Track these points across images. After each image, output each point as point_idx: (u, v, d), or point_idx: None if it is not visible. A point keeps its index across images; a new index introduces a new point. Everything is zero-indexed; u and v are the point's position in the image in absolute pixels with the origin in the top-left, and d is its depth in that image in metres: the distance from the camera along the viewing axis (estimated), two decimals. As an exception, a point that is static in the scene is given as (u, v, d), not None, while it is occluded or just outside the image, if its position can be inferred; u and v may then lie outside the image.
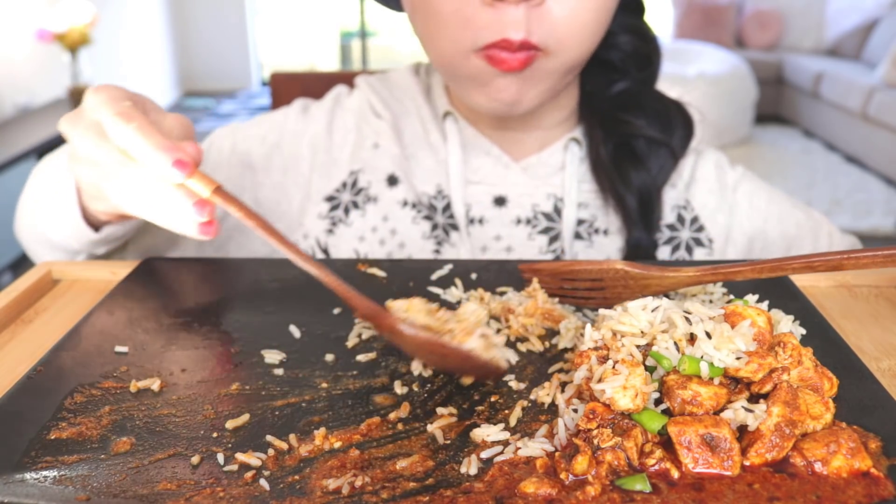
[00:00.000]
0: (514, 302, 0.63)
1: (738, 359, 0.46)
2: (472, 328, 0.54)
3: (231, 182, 0.90)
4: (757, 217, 0.90)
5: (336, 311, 0.63)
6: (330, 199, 0.89)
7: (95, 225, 0.74)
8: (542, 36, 0.70)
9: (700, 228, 0.88)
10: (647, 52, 0.88)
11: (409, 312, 0.56)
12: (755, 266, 0.55)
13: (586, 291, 0.61)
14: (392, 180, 0.88)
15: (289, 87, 1.33)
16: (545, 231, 0.86)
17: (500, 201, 0.87)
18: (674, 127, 0.87)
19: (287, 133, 0.92)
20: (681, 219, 0.88)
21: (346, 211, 0.88)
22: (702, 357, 0.46)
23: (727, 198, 0.89)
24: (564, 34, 0.71)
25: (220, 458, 0.45)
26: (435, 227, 0.86)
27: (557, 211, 0.86)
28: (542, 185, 0.87)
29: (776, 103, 6.00)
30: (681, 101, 0.90)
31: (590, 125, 0.88)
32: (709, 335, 0.47)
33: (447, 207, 0.86)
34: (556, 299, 0.63)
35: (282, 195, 0.91)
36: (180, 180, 0.58)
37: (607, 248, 0.86)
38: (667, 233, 0.87)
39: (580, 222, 0.86)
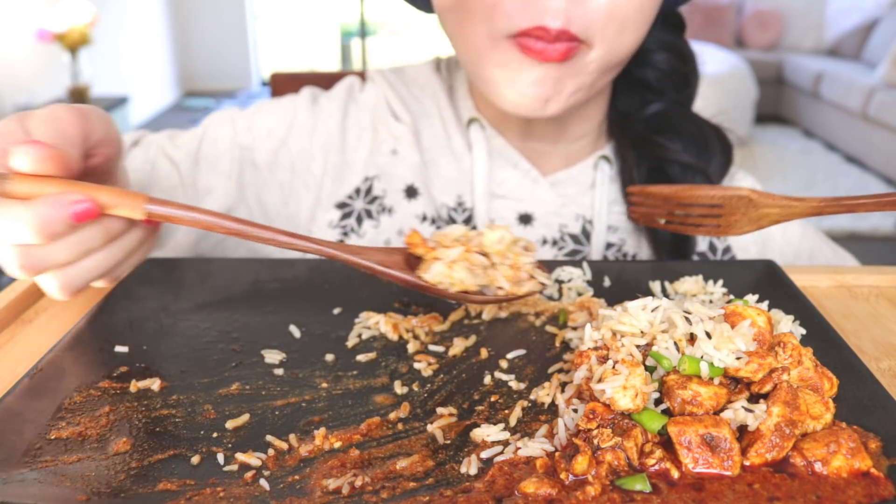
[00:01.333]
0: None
1: (738, 359, 0.46)
2: (517, 275, 0.58)
3: (231, 178, 0.84)
4: (789, 252, 0.87)
5: (336, 311, 0.63)
6: (342, 205, 0.84)
7: None
8: (582, 26, 0.65)
9: (732, 259, 0.85)
10: (685, 73, 0.83)
11: (451, 279, 0.58)
12: (879, 199, 0.55)
13: (700, 218, 0.59)
14: (411, 192, 0.83)
15: (289, 88, 1.32)
16: (572, 254, 0.82)
17: (525, 219, 0.82)
18: (711, 153, 0.82)
19: (296, 128, 0.86)
20: (713, 247, 0.85)
21: (359, 220, 0.84)
22: (702, 357, 0.46)
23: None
24: (607, 24, 0.66)
25: (220, 458, 0.45)
26: None
27: (586, 234, 0.82)
28: (570, 205, 0.82)
29: (776, 103, 6.00)
30: (720, 126, 0.85)
31: (622, 145, 0.84)
32: (709, 335, 0.47)
33: (468, 221, 0.82)
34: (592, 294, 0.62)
35: (289, 195, 0.86)
36: (95, 218, 0.51)
37: None
38: None
39: (608, 246, 0.82)
